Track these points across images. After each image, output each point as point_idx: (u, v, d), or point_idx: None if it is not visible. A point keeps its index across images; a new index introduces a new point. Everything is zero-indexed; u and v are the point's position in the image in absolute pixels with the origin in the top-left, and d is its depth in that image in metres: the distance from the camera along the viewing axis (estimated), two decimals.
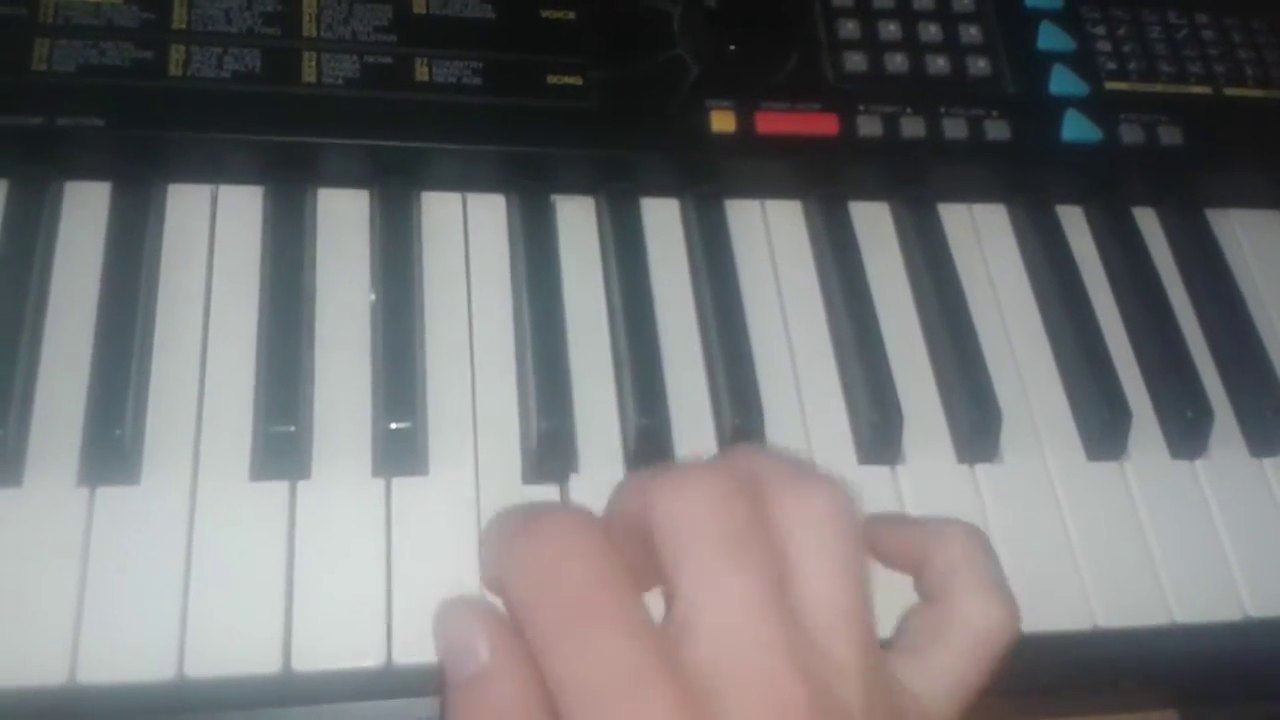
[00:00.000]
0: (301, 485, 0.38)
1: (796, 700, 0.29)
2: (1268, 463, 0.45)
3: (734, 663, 0.29)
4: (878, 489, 0.41)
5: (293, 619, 0.36)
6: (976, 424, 0.42)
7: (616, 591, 0.31)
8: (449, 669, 0.32)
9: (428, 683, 0.35)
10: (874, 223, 0.47)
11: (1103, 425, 0.43)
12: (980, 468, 0.42)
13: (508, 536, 0.33)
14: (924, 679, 0.34)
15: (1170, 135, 0.49)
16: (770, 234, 0.47)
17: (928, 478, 0.42)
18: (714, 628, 0.30)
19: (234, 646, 0.35)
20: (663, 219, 0.46)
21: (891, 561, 0.37)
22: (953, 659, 0.34)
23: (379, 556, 0.37)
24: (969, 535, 0.36)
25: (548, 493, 0.39)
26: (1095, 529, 0.41)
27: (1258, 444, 0.45)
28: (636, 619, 0.30)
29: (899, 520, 0.39)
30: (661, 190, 0.46)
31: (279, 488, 0.37)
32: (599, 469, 0.40)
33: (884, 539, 0.37)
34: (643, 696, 0.28)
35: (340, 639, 0.36)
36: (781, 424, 0.42)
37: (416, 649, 0.35)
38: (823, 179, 0.47)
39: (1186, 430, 0.44)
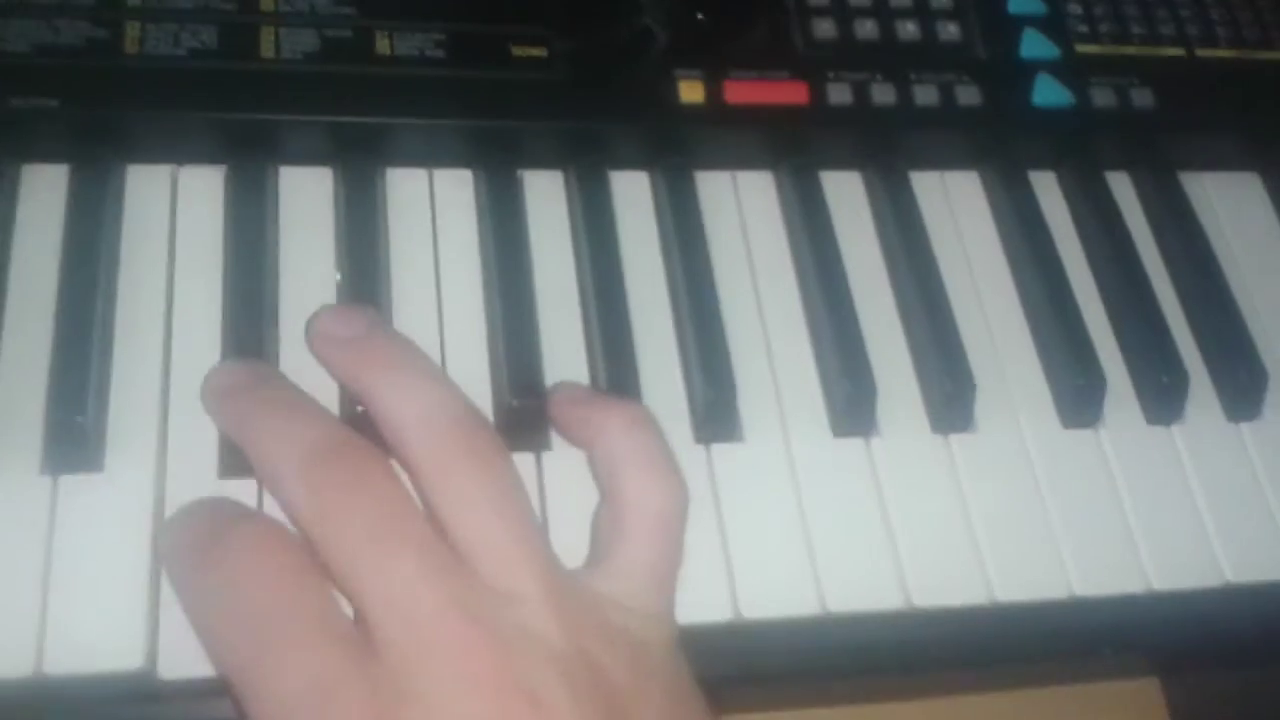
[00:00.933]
0: None
1: (481, 653, 0.29)
2: (1245, 427, 0.44)
3: (416, 640, 0.30)
4: (852, 461, 0.41)
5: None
6: (950, 394, 0.41)
7: (301, 600, 0.31)
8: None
9: None
10: (846, 192, 0.47)
11: (1077, 392, 0.42)
12: (955, 438, 0.42)
13: (193, 550, 0.32)
14: (618, 580, 0.33)
15: (1142, 98, 0.49)
16: (741, 206, 0.46)
17: (902, 449, 0.41)
18: (386, 614, 0.30)
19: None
20: (632, 192, 0.45)
21: (571, 440, 0.38)
22: (636, 549, 0.34)
23: None
24: (624, 422, 0.36)
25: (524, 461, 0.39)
26: (1071, 497, 0.41)
27: (1234, 409, 0.44)
28: (325, 627, 0.30)
29: (567, 402, 0.38)
30: (631, 163, 0.45)
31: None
32: (572, 447, 0.39)
33: (557, 420, 0.38)
34: (332, 708, 0.29)
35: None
36: (754, 397, 0.41)
37: None
38: (793, 149, 0.46)
39: (1162, 396, 0.43)
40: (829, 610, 0.38)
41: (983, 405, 0.42)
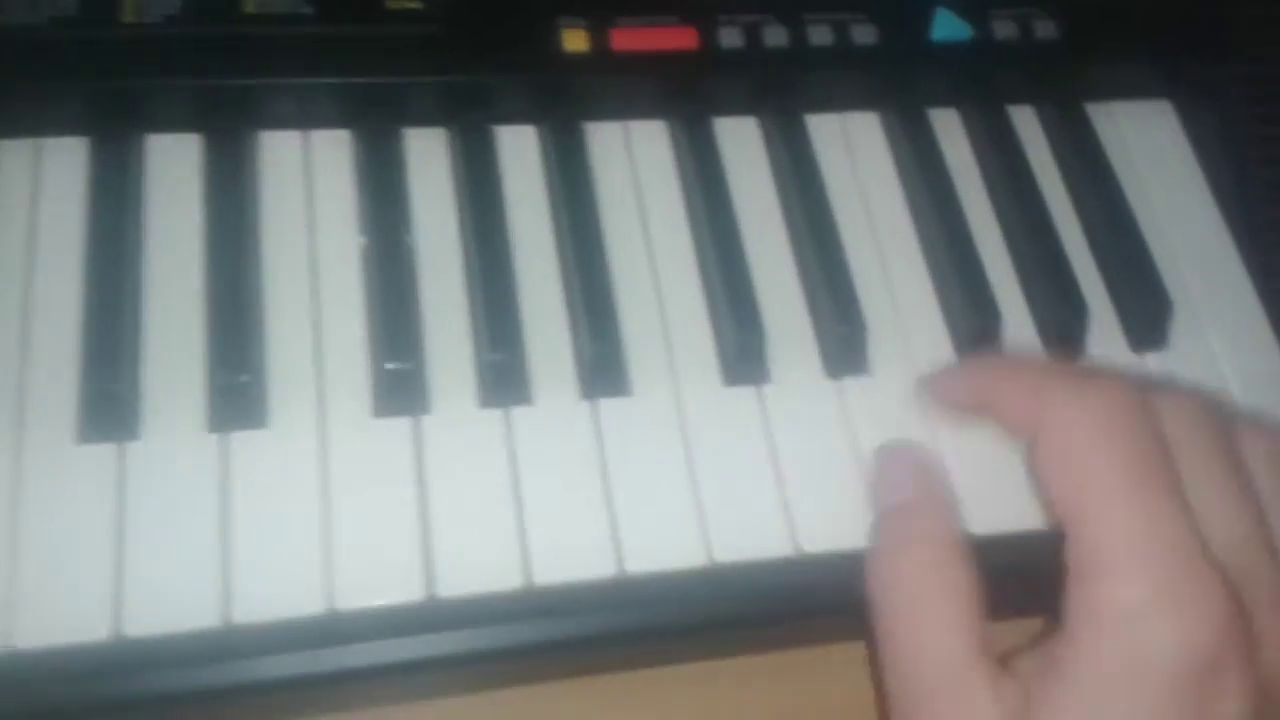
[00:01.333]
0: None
1: None
2: (1151, 358, 0.44)
3: (1256, 574, 0.32)
4: (743, 410, 0.40)
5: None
6: (842, 338, 0.41)
7: (1171, 466, 0.32)
8: (880, 499, 0.37)
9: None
10: (742, 138, 0.46)
11: (972, 329, 0.42)
12: (849, 381, 0.41)
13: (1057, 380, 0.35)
14: None
15: (1045, 29, 0.47)
16: (633, 157, 0.45)
17: (795, 396, 0.40)
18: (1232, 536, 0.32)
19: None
20: (519, 146, 0.44)
21: None
22: None
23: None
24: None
25: (399, 426, 0.38)
26: (968, 436, 0.40)
27: (1139, 340, 0.44)
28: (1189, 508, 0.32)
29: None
30: (516, 117, 0.44)
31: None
32: (453, 407, 0.38)
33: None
34: (1202, 571, 0.30)
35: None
36: (644, 351, 0.41)
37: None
38: (686, 96, 0.45)
39: (1063, 330, 0.43)
40: (715, 561, 0.37)
41: (879, 348, 0.42)
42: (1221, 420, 0.35)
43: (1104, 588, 0.31)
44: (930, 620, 0.33)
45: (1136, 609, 0.30)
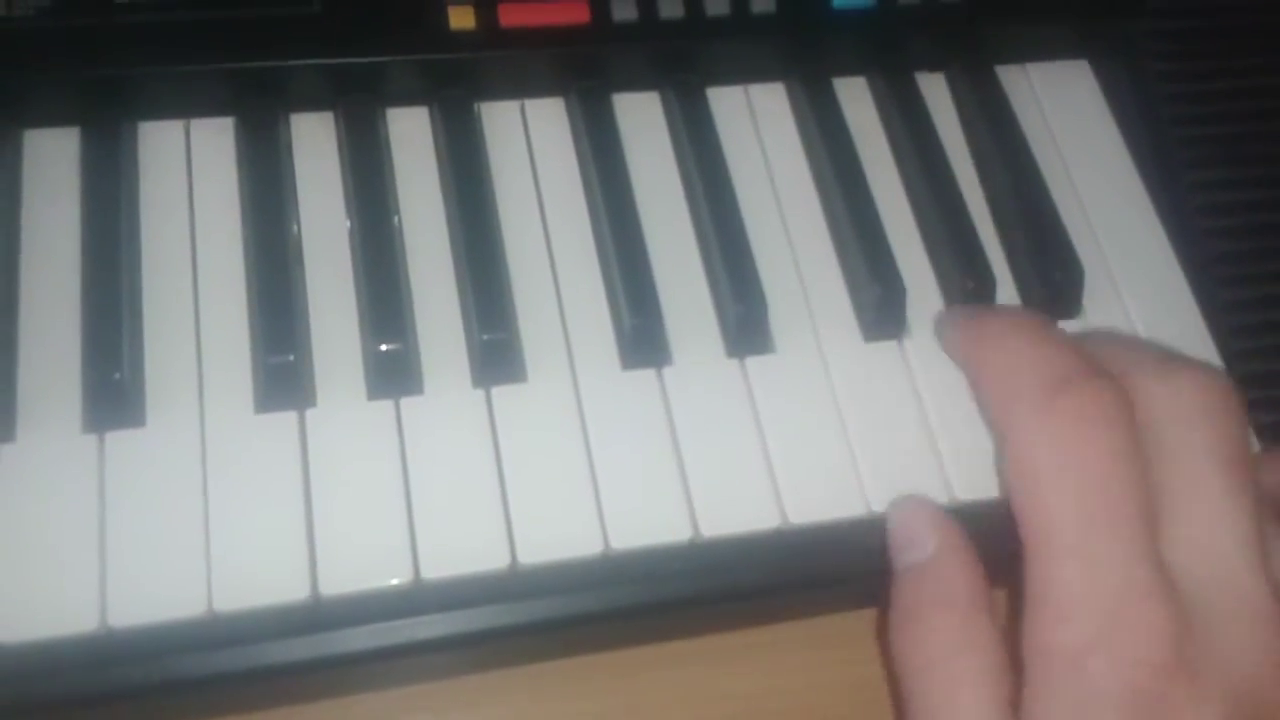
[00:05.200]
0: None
1: (1274, 621, 0.31)
2: (1065, 326, 0.43)
3: (1216, 581, 0.31)
4: (642, 394, 0.39)
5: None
6: (741, 316, 0.40)
7: (1134, 494, 0.32)
8: (895, 556, 0.36)
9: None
10: (642, 114, 0.45)
11: (877, 303, 0.41)
12: (751, 361, 0.40)
13: (1040, 390, 0.34)
14: None
15: None
16: (530, 136, 0.44)
17: (696, 376, 0.40)
18: (1193, 544, 0.32)
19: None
20: (409, 129, 0.43)
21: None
22: None
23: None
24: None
25: (284, 420, 0.37)
26: (872, 413, 0.40)
27: (1051, 308, 0.43)
28: (1147, 532, 0.32)
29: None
30: (406, 98, 0.43)
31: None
32: (338, 399, 0.38)
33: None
34: (1138, 610, 0.30)
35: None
36: (539, 336, 0.40)
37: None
38: (581, 72, 0.44)
39: (971, 299, 0.42)
40: (611, 548, 0.36)
41: (783, 326, 0.41)
42: (1234, 408, 0.34)
43: (1049, 628, 0.31)
44: (961, 677, 0.33)
45: (1079, 650, 0.31)
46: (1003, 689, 0.33)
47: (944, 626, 0.34)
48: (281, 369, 0.37)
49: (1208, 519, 0.33)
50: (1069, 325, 0.43)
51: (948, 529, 0.36)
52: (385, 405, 0.38)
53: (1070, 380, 0.34)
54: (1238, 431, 0.34)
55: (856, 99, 0.46)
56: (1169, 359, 0.37)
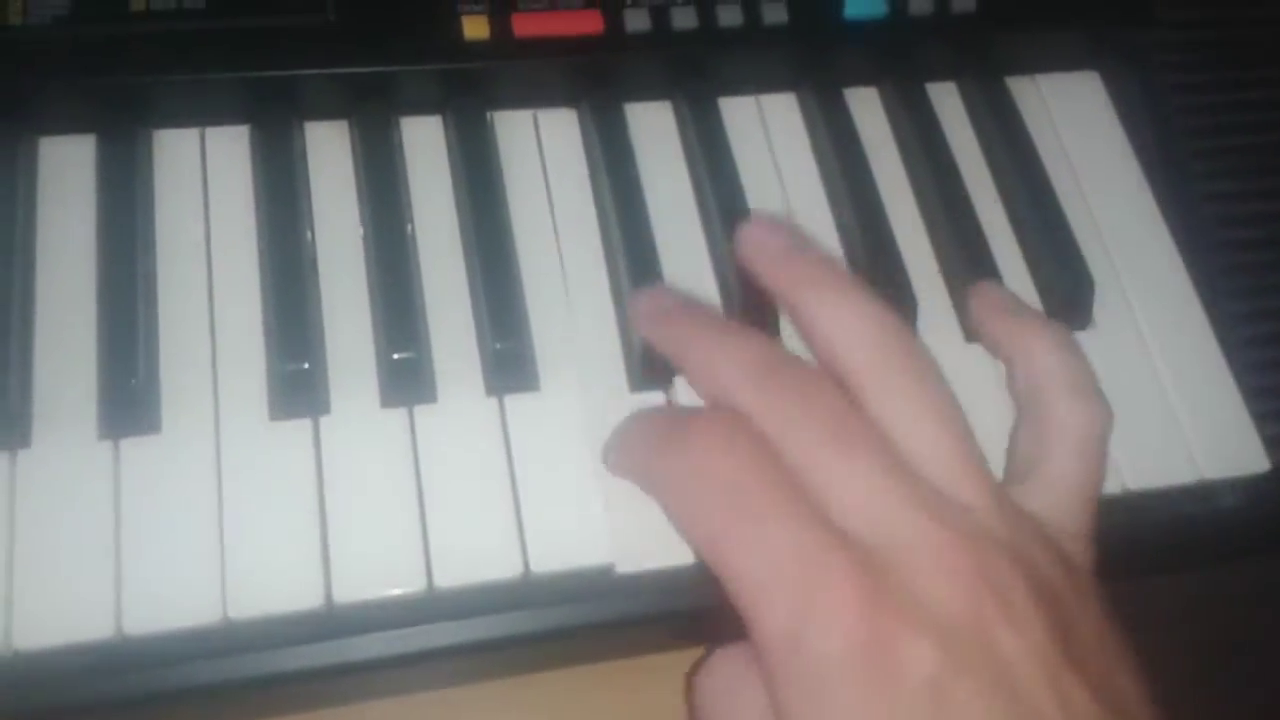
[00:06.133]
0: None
1: (956, 550, 0.31)
2: (1079, 336, 0.42)
3: (889, 534, 0.31)
4: (653, 404, 0.39)
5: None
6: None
7: (775, 477, 0.32)
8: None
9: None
10: (656, 124, 0.45)
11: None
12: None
13: (659, 437, 0.35)
14: (1043, 496, 0.35)
15: (962, 2, 0.46)
16: (543, 145, 0.44)
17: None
18: (855, 508, 0.31)
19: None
20: (424, 138, 0.43)
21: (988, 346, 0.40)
22: (1063, 469, 0.35)
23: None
24: (1053, 344, 0.37)
25: (299, 428, 0.37)
26: None
27: (1063, 319, 0.43)
28: (803, 502, 0.31)
29: (996, 310, 0.40)
30: (420, 108, 0.43)
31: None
32: (352, 406, 0.38)
33: (983, 324, 0.39)
34: (821, 576, 0.30)
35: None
36: (550, 347, 0.40)
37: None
38: (594, 82, 0.44)
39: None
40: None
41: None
42: (824, 385, 0.34)
43: (758, 623, 0.31)
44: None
45: (790, 630, 0.30)
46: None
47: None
48: (296, 376, 0.37)
49: (845, 481, 0.32)
50: (1080, 336, 0.43)
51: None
52: (399, 413, 0.38)
53: (677, 432, 0.34)
54: (832, 400, 0.34)
55: (868, 109, 0.46)
56: (770, 369, 0.35)
